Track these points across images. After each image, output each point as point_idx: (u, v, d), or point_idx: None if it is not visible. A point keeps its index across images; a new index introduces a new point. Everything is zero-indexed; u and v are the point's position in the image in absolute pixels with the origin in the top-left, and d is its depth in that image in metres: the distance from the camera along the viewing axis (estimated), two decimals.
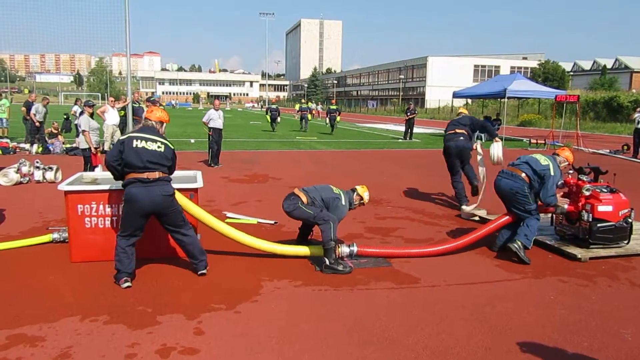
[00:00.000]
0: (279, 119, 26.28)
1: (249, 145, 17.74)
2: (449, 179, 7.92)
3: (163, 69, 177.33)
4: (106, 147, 12.18)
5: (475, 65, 72.26)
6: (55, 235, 5.37)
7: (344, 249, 4.96)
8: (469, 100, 46.98)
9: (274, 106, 27.68)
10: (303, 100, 42.19)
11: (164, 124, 4.66)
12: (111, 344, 3.27)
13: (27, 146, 14.53)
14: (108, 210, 4.83)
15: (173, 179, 4.54)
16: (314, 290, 4.35)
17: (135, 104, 14.11)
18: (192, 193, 4.92)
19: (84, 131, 8.98)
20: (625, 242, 5.45)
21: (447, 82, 62.73)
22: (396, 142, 20.96)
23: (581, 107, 32.81)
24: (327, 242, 4.79)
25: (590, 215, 5.32)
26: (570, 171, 5.79)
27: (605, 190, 5.47)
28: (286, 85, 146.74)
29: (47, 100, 16.41)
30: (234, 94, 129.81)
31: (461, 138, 7.41)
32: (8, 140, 14.77)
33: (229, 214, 6.96)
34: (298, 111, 28.10)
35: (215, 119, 12.14)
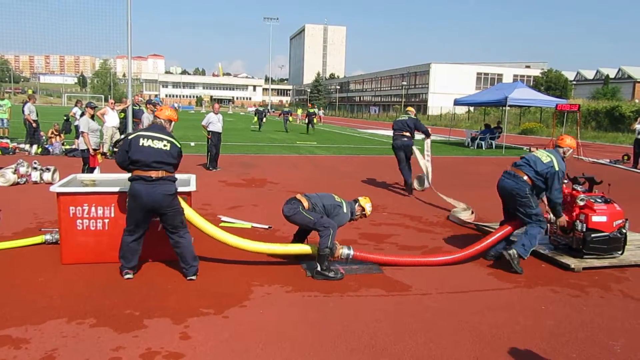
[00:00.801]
0: (264, 120, 30.98)
1: (248, 149, 17.74)
2: (447, 187, 8.18)
3: (167, 72, 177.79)
4: (105, 149, 12.19)
5: (478, 73, 72.28)
6: (48, 237, 5.36)
7: (344, 251, 4.95)
8: (471, 108, 46.99)
9: (261, 109, 32.56)
10: (310, 105, 43.19)
11: (172, 123, 4.81)
12: (96, 347, 3.26)
13: (26, 147, 14.57)
14: (100, 212, 4.82)
15: None
16: (304, 296, 4.33)
17: (135, 106, 14.17)
18: (184, 196, 4.91)
19: (82, 132, 8.98)
20: (619, 252, 5.41)
21: (449, 89, 62.77)
22: None
23: (583, 116, 32.80)
24: (322, 249, 4.77)
25: (584, 225, 5.29)
26: (566, 181, 5.77)
27: (599, 201, 5.44)
28: (289, 90, 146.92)
29: (34, 99, 16.60)
30: (237, 98, 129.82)
31: (405, 139, 9.61)
32: (8, 141, 14.80)
33: (223, 218, 6.95)
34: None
35: (215, 122, 12.16)
